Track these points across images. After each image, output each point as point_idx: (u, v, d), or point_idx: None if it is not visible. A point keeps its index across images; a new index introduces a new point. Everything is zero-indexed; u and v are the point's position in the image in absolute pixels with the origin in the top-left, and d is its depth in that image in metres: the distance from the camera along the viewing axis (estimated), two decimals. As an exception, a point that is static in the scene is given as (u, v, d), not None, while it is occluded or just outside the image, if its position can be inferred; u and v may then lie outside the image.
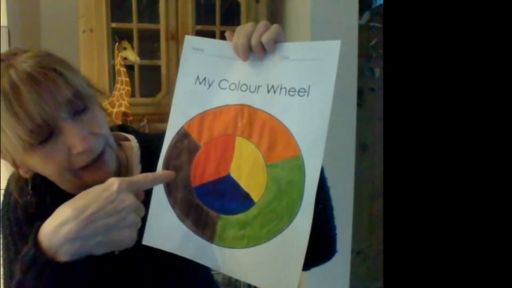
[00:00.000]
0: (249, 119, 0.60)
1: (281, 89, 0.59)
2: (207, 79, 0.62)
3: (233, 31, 0.61)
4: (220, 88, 0.62)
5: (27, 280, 0.51)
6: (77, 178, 0.61)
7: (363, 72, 1.94)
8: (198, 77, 0.63)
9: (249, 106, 0.60)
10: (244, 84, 0.61)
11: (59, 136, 0.58)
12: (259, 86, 0.60)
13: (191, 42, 0.63)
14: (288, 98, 0.58)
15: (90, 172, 0.61)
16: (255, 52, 0.59)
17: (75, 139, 0.58)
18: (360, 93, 1.91)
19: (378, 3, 2.05)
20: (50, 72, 0.57)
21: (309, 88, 0.57)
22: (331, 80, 0.56)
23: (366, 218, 2.09)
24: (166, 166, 0.63)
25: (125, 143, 0.75)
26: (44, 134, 0.57)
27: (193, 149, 0.62)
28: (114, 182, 0.53)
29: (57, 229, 0.51)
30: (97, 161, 0.62)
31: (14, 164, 0.63)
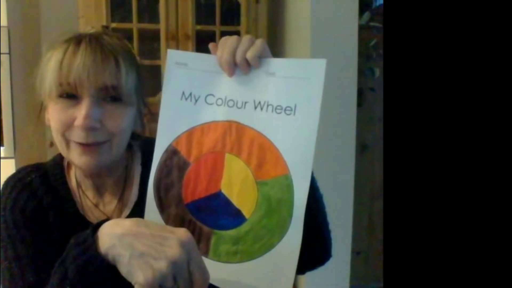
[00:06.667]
0: (237, 136, 0.60)
1: (267, 106, 0.59)
2: (193, 94, 0.62)
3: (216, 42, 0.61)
4: (207, 103, 0.62)
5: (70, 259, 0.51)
6: (68, 149, 0.64)
7: (363, 72, 1.94)
8: (183, 93, 0.62)
9: (237, 123, 0.60)
10: (231, 100, 0.60)
11: (78, 104, 0.62)
12: (246, 102, 0.60)
13: (174, 56, 0.62)
14: (275, 115, 0.58)
15: (79, 151, 0.63)
16: (240, 68, 0.59)
17: (82, 113, 0.61)
18: (360, 93, 1.91)
19: (378, 3, 2.05)
20: (111, 56, 0.63)
21: (295, 107, 0.57)
22: (318, 100, 0.56)
23: (366, 218, 2.09)
24: (157, 184, 0.63)
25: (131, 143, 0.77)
26: (67, 92, 0.62)
27: (183, 166, 0.62)
28: (185, 235, 0.50)
29: (114, 224, 0.51)
30: (90, 146, 0.63)
31: (40, 108, 0.69)
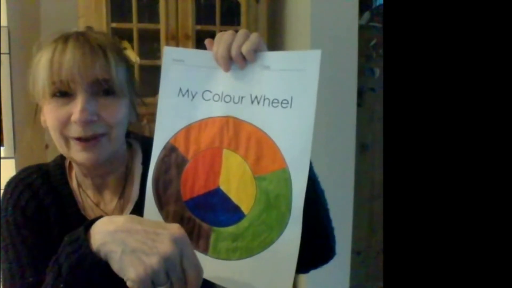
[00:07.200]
0: (234, 131, 0.60)
1: (264, 100, 0.58)
2: (190, 90, 0.62)
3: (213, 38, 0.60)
4: (204, 99, 0.61)
5: (62, 258, 0.51)
6: (67, 147, 0.65)
7: (363, 72, 1.94)
8: (180, 89, 0.62)
9: (234, 118, 0.60)
10: (228, 95, 0.60)
11: (72, 101, 0.63)
12: (242, 97, 0.60)
13: (170, 53, 0.62)
14: (272, 109, 0.58)
15: (78, 147, 0.64)
16: (236, 62, 0.59)
17: (78, 107, 0.62)
18: (360, 93, 1.91)
19: (378, 3, 2.05)
20: (99, 50, 0.64)
21: (291, 100, 0.57)
22: (313, 91, 0.56)
23: (366, 218, 2.09)
24: (156, 182, 0.63)
25: (131, 142, 0.78)
26: (60, 90, 0.63)
27: (181, 163, 0.62)
28: (178, 231, 0.50)
29: (107, 222, 0.51)
30: (89, 141, 0.63)
31: (36, 109, 0.69)
